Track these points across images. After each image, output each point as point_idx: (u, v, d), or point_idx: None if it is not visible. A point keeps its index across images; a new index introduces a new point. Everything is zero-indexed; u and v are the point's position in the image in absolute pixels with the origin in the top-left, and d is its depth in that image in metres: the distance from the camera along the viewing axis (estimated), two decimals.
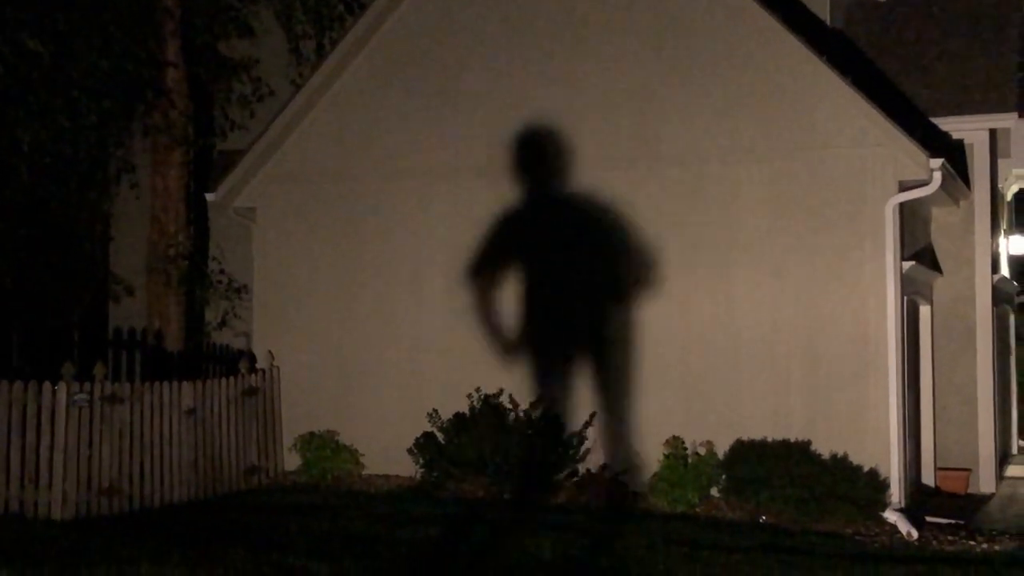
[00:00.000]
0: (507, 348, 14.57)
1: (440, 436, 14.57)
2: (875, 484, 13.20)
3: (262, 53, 19.44)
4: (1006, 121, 16.59)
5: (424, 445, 14.64)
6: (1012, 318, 19.86)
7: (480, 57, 15.31)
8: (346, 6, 19.38)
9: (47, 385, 12.55)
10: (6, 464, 12.43)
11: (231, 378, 14.95)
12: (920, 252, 15.20)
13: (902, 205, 13.73)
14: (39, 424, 12.49)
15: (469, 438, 14.17)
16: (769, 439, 13.60)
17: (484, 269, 14.69)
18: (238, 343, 18.50)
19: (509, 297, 14.76)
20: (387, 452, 15.16)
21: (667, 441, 13.74)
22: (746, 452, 13.58)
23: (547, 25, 14.86)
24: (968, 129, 16.53)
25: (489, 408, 14.36)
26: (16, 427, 12.44)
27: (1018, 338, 20.57)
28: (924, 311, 16.06)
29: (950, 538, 12.63)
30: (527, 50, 14.94)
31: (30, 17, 17.46)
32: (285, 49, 19.14)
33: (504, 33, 15.20)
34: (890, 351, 13.47)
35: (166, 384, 13.78)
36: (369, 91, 15.91)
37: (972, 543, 12.42)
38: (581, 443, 14.08)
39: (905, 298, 14.06)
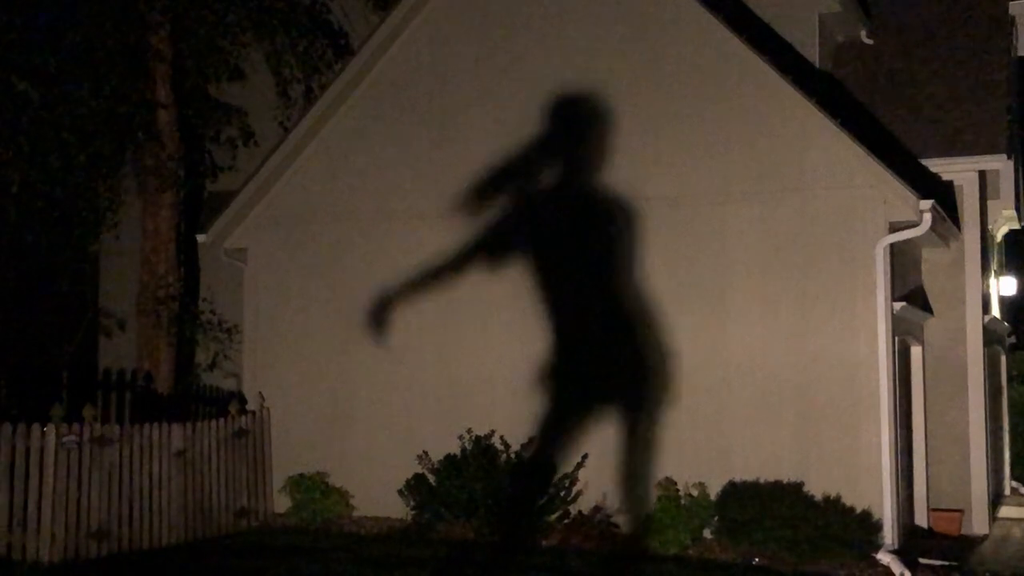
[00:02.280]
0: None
1: (431, 478, 14.51)
2: (868, 525, 13.15)
3: (250, 95, 19.46)
4: (995, 163, 16.61)
5: (415, 487, 14.59)
6: (1003, 359, 19.86)
7: (469, 100, 15.37)
8: (335, 51, 19.45)
9: (36, 427, 12.46)
10: None
11: (221, 420, 14.88)
12: (911, 293, 15.22)
13: (892, 246, 13.75)
14: (28, 466, 12.39)
15: (460, 480, 14.13)
16: (761, 480, 13.56)
17: (477, 311, 14.65)
18: (228, 384, 18.43)
19: (501, 338, 14.75)
20: (378, 494, 15.10)
21: (659, 483, 13.70)
22: (738, 493, 13.53)
23: (536, 71, 14.87)
24: (958, 171, 16.57)
25: (480, 449, 14.32)
26: (4, 469, 12.34)
27: (1010, 379, 20.56)
28: (916, 352, 16.05)
29: None
30: (517, 94, 14.95)
31: (20, 58, 17.46)
32: (273, 91, 19.16)
33: (492, 78, 15.24)
34: (882, 392, 13.44)
35: (155, 426, 13.72)
36: (359, 134, 15.95)
37: None
38: (573, 485, 14.03)
39: (897, 339, 14.06)
